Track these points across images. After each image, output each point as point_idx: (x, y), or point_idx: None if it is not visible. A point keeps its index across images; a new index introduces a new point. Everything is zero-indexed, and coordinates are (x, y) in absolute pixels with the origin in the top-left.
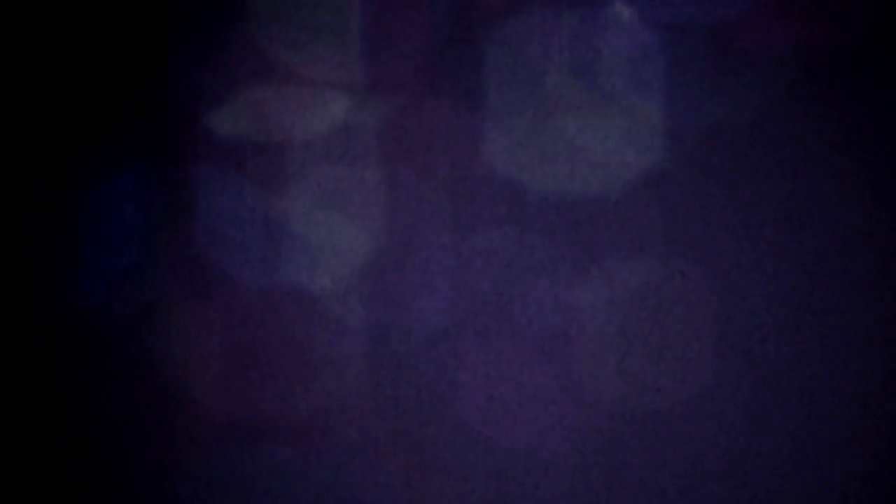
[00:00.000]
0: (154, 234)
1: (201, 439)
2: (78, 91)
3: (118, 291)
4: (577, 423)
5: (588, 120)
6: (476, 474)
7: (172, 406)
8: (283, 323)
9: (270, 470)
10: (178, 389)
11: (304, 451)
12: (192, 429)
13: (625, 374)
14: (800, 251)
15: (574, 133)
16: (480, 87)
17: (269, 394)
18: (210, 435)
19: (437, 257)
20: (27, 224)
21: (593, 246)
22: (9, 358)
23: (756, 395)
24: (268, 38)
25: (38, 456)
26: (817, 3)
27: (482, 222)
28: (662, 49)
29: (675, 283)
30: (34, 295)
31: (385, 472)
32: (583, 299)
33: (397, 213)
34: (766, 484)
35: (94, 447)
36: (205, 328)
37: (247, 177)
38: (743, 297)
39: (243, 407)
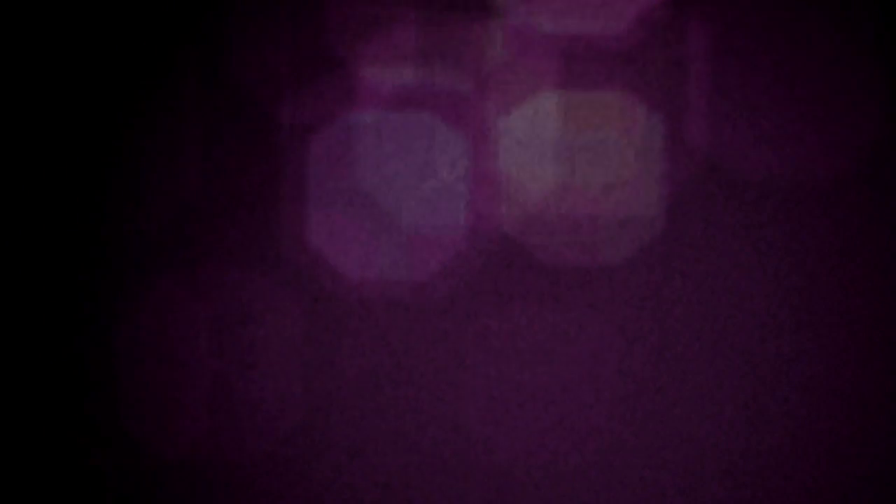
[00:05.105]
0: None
1: (199, 438)
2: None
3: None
4: (577, 423)
5: (589, 119)
6: (476, 474)
7: (168, 404)
8: (283, 322)
9: (270, 470)
10: (176, 386)
11: (305, 451)
12: (189, 427)
13: (625, 374)
14: (800, 251)
15: (574, 132)
16: (481, 85)
17: (268, 393)
18: (209, 434)
19: (437, 257)
20: (60, 217)
21: (593, 246)
22: (13, 354)
23: (756, 395)
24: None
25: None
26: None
27: (482, 222)
28: (664, 47)
29: (675, 283)
30: (60, 287)
31: (385, 472)
32: (583, 299)
33: (397, 212)
34: (766, 484)
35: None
36: (204, 324)
37: (248, 174)
38: (743, 297)
39: (243, 406)
